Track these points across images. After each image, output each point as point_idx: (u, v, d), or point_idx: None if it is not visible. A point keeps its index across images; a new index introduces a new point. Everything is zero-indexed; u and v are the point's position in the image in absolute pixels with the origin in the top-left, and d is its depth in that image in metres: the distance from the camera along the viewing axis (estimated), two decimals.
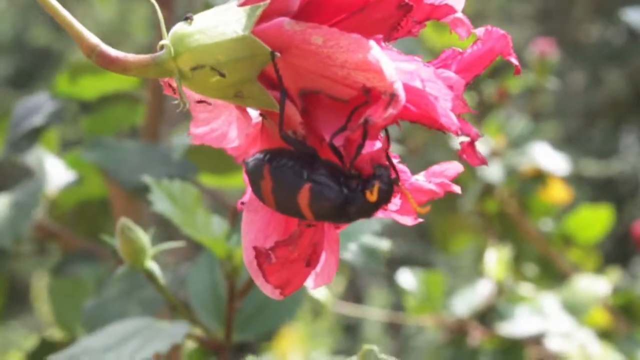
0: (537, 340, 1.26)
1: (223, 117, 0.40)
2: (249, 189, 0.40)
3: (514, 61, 0.35)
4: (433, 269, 1.35)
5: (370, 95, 0.34)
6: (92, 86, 0.88)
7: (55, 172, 0.90)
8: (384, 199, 0.35)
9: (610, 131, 4.54)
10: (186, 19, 0.36)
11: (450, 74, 0.35)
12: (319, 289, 1.11)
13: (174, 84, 0.37)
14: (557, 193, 1.42)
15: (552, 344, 1.22)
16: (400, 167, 0.38)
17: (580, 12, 4.69)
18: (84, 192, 0.93)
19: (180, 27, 0.36)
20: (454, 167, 0.39)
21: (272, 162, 0.36)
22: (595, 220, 1.43)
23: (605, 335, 1.32)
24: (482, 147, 1.35)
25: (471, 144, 0.35)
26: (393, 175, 0.36)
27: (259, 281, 0.39)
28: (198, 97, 0.39)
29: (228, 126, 0.40)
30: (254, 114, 0.38)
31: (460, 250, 1.56)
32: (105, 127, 0.90)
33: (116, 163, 0.80)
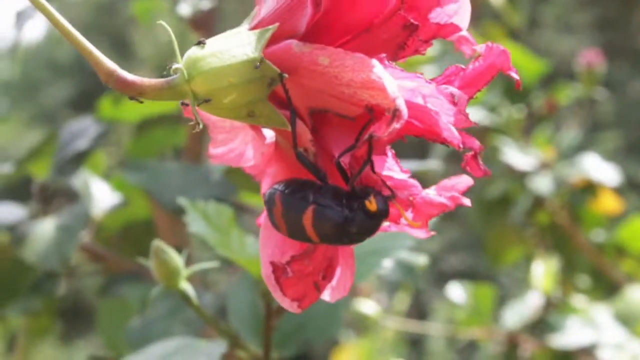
0: (589, 351, 1.25)
1: (239, 138, 0.42)
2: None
3: (515, 76, 0.36)
4: (482, 282, 1.35)
5: (375, 113, 0.35)
6: (135, 109, 0.90)
7: (101, 195, 0.92)
8: (382, 214, 0.37)
9: None
10: (199, 43, 0.38)
11: (453, 89, 0.36)
12: (368, 304, 1.11)
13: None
14: (608, 203, 1.41)
15: (604, 355, 1.21)
16: (411, 181, 0.39)
17: None
18: (129, 214, 0.95)
19: (193, 51, 0.37)
20: (465, 181, 0.39)
21: (283, 190, 0.38)
22: None
23: None
24: (531, 159, 1.35)
25: (474, 156, 0.36)
26: (387, 193, 0.37)
27: (277, 295, 0.40)
28: (215, 119, 0.41)
29: (245, 146, 0.42)
30: (268, 133, 0.40)
31: (513, 262, 1.56)
32: (148, 149, 0.92)
33: (158, 184, 0.81)
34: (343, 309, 0.70)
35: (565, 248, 1.40)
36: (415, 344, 3.22)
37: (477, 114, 1.35)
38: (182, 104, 0.38)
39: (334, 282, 0.41)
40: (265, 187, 0.42)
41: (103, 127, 0.88)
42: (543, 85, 1.46)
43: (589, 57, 1.37)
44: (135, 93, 0.37)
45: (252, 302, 0.71)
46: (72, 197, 0.92)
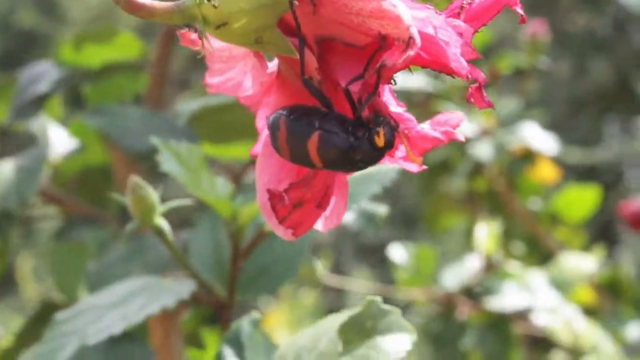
0: (523, 315, 1.28)
1: (238, 67, 0.42)
2: (262, 138, 0.42)
3: (520, 11, 0.37)
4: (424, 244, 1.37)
5: (386, 42, 0.36)
6: (96, 55, 0.89)
7: (59, 139, 0.92)
8: (388, 145, 0.37)
9: (595, 120, 4.57)
10: None
11: (459, 22, 0.37)
12: (314, 260, 1.11)
13: (191, 36, 0.39)
14: (546, 172, 1.44)
15: (539, 319, 1.24)
16: (407, 115, 0.40)
17: (567, 1, 4.71)
18: (87, 159, 0.95)
19: None
20: (457, 117, 0.41)
21: (288, 115, 0.38)
22: (582, 200, 1.46)
23: (590, 312, 1.34)
24: (472, 126, 1.37)
25: (479, 88, 0.37)
26: (393, 124, 0.38)
27: (272, 222, 0.40)
28: (215, 47, 0.41)
29: (243, 76, 0.42)
30: (269, 63, 0.40)
31: (448, 229, 1.58)
32: (108, 95, 0.91)
33: (120, 129, 0.81)
34: (303, 255, 0.71)
35: (502, 215, 1.43)
36: (332, 312, 3.24)
37: (420, 80, 1.37)
38: (188, 27, 0.39)
39: (327, 211, 0.41)
40: (262, 117, 0.43)
41: (63, 71, 0.88)
42: (485, 55, 1.48)
43: (534, 27, 1.39)
44: (146, 15, 0.38)
45: (216, 245, 0.72)
46: (30, 141, 0.92)
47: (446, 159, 1.45)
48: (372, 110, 0.38)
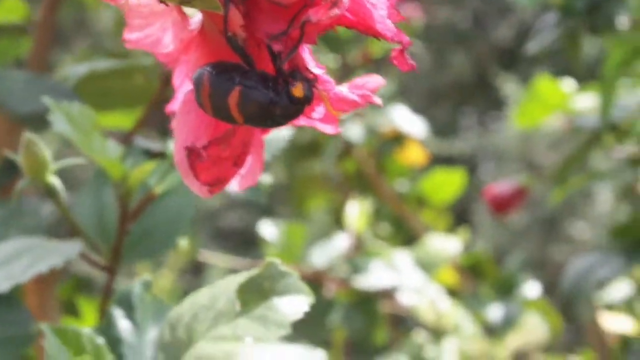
0: (389, 294, 1.30)
1: (158, 24, 0.42)
2: (180, 95, 0.43)
3: None
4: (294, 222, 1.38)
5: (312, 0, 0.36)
6: None
7: None
8: (306, 100, 0.38)
9: (452, 112, 4.67)
10: None
11: None
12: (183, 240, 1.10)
13: None
14: (414, 155, 1.47)
15: (404, 299, 1.26)
16: (326, 77, 0.41)
17: None
18: None
19: None
20: (375, 80, 0.42)
21: (211, 71, 0.39)
22: (448, 183, 1.49)
23: (453, 293, 1.38)
24: None
25: (402, 50, 0.38)
26: (312, 78, 0.39)
27: (189, 180, 0.41)
28: (134, 3, 0.41)
29: (163, 32, 0.42)
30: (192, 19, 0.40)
31: (317, 210, 1.60)
32: None
33: (2, 92, 0.79)
34: (188, 222, 0.71)
35: (370, 196, 1.45)
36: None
37: None
38: None
39: (244, 170, 0.42)
40: (179, 75, 0.43)
41: None
42: (358, 37, 1.49)
43: (409, 11, 1.41)
44: None
45: (101, 207, 0.71)
46: None
47: (316, 139, 1.47)
48: (292, 66, 0.38)
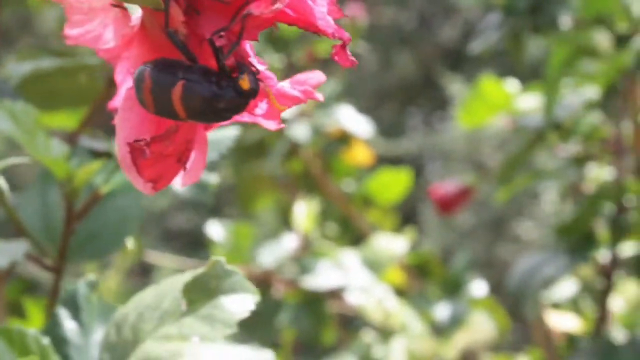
0: (337, 294, 1.31)
1: (98, 20, 0.42)
2: (121, 92, 0.42)
3: None
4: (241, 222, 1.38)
5: None
6: None
7: None
8: (252, 93, 0.38)
9: (398, 112, 4.69)
10: None
11: None
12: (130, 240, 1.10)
13: None
14: (360, 155, 1.47)
15: (352, 298, 1.27)
16: (268, 73, 0.41)
17: None
18: None
19: None
20: (317, 77, 0.42)
21: (153, 67, 0.39)
22: (394, 183, 1.50)
23: (400, 292, 1.38)
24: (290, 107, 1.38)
25: (343, 46, 0.38)
26: (256, 70, 0.39)
27: (132, 176, 0.40)
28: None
29: (103, 28, 0.42)
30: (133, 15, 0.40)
31: (263, 210, 1.60)
32: None
33: None
34: (135, 222, 0.71)
35: (317, 196, 1.45)
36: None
37: None
38: None
39: (187, 167, 0.42)
40: (121, 71, 0.43)
41: None
42: (303, 38, 1.50)
43: (353, 11, 1.41)
44: None
45: (46, 208, 0.71)
46: None
47: (262, 139, 1.47)
48: (236, 59, 0.38)
